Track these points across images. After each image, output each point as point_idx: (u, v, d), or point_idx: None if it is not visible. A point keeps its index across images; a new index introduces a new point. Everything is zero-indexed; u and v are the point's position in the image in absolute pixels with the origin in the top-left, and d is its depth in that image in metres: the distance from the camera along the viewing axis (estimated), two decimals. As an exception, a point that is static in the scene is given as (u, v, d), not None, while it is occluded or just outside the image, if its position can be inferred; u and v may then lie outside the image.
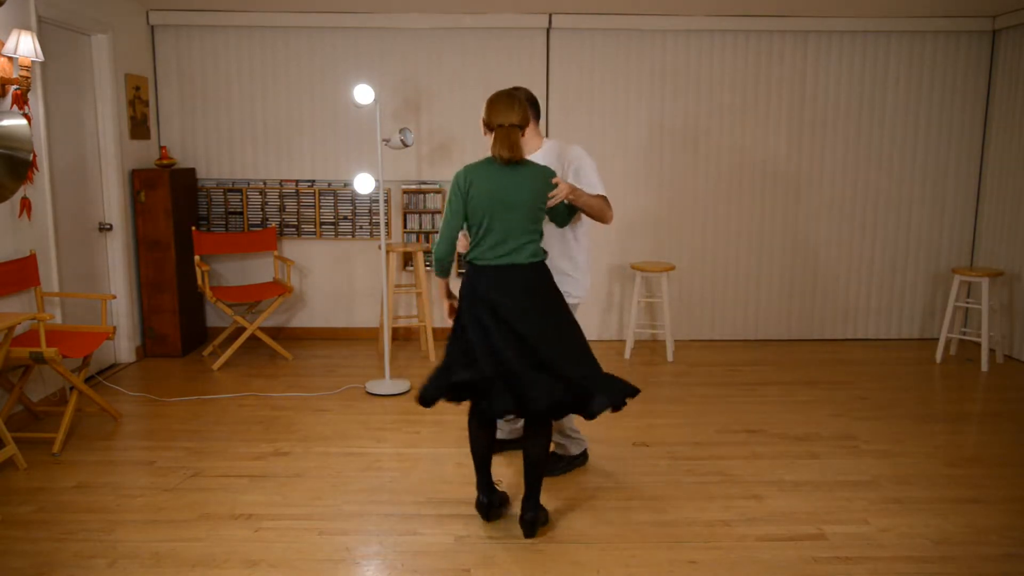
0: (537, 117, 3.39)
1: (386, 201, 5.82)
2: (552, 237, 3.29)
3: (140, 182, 5.26)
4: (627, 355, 5.58)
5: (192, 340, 5.65)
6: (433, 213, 5.81)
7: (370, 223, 5.86)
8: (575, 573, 2.74)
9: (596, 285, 5.87)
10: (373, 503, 3.26)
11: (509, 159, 2.89)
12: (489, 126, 2.99)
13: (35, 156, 4.15)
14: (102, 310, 4.27)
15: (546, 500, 3.24)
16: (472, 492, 3.34)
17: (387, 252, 4.99)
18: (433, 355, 5.50)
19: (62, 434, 3.77)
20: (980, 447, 3.93)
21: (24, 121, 3.95)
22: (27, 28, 4.04)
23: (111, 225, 5.12)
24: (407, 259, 5.86)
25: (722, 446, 3.90)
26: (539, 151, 3.34)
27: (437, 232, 3.45)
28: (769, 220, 5.94)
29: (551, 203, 2.94)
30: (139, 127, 5.42)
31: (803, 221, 5.95)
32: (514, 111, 2.94)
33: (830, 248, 5.99)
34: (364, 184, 4.73)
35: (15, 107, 3.98)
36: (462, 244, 3.12)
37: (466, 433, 4.01)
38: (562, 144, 3.39)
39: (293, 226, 5.88)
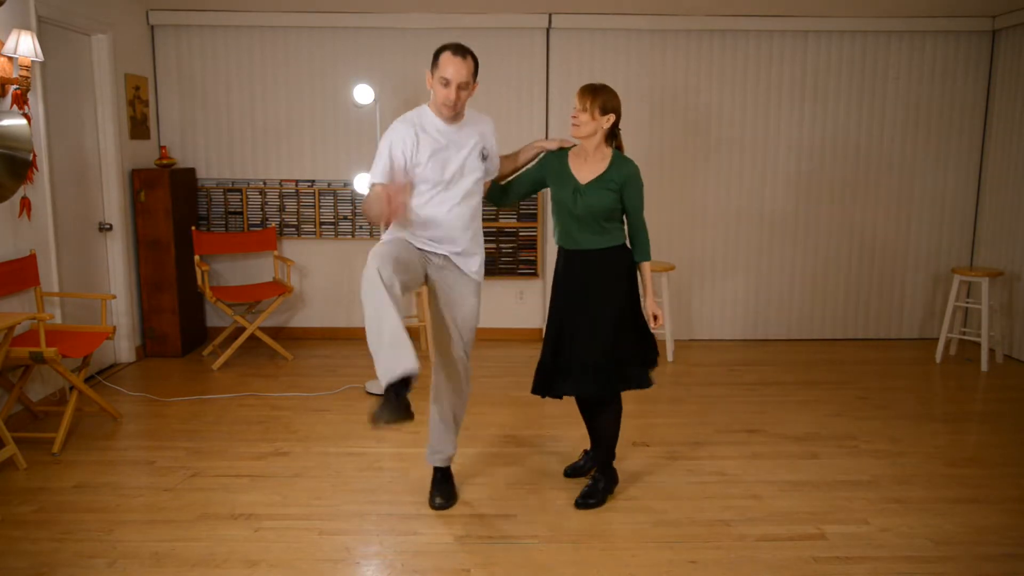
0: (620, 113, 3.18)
1: (386, 201, 5.81)
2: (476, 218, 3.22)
3: (140, 182, 5.26)
4: (627, 355, 5.58)
5: (192, 340, 5.65)
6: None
7: (370, 223, 5.86)
8: (575, 573, 2.74)
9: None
10: (373, 503, 3.25)
11: None
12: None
13: (35, 156, 4.15)
14: (102, 310, 4.27)
15: (550, 499, 3.25)
16: (471, 491, 3.35)
17: (387, 252, 4.99)
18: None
19: (62, 434, 3.77)
20: (980, 447, 3.93)
21: (24, 121, 3.95)
22: (27, 28, 4.04)
23: (111, 225, 5.11)
24: (407, 259, 5.86)
25: (722, 446, 3.90)
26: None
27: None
28: (768, 220, 5.94)
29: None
30: (139, 127, 5.42)
31: (803, 221, 5.95)
32: None
33: (830, 247, 5.99)
34: (364, 184, 4.73)
35: (15, 107, 3.98)
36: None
37: (464, 433, 4.02)
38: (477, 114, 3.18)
39: (293, 226, 5.88)
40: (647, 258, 3.17)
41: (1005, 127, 5.67)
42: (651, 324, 3.18)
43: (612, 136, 3.15)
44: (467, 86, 2.93)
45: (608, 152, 3.12)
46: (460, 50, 2.92)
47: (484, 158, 3.09)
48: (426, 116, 3.03)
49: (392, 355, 2.62)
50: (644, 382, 3.18)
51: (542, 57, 5.73)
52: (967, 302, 5.59)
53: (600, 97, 3.04)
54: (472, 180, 3.06)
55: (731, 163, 5.86)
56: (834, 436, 4.04)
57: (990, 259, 5.81)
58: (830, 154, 5.88)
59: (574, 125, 3.07)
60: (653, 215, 5.80)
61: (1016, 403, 4.63)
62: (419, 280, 3.04)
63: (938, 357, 5.52)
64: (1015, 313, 5.56)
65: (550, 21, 5.60)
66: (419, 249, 3.04)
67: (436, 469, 3.31)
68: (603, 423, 3.27)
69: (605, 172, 3.08)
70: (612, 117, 3.07)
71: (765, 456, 3.78)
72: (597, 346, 3.10)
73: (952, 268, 5.68)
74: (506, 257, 5.91)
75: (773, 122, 5.83)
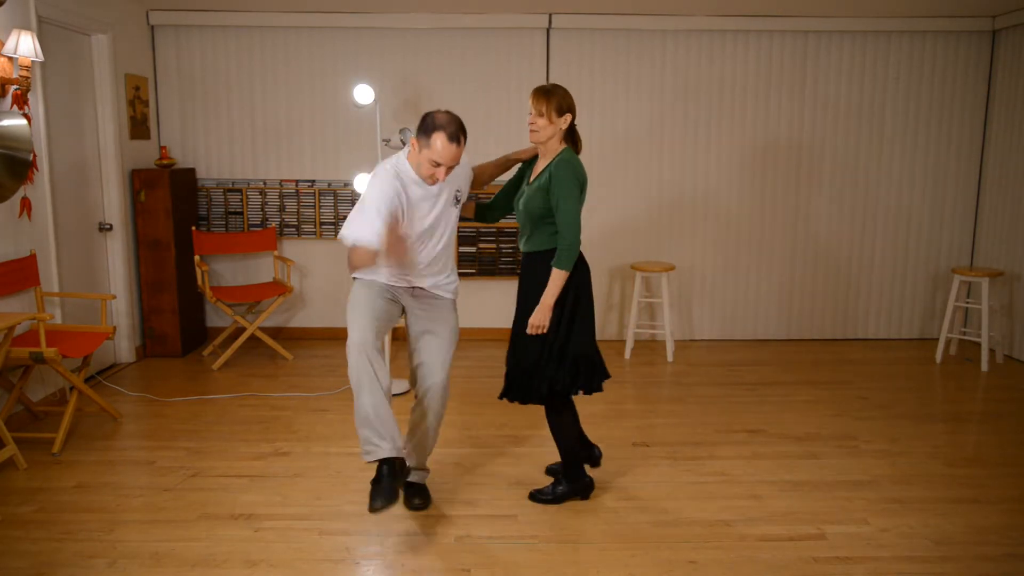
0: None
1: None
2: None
3: (140, 182, 5.26)
4: (627, 355, 5.58)
5: (192, 340, 5.65)
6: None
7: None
8: (575, 573, 2.74)
9: (597, 285, 5.86)
10: (373, 503, 3.25)
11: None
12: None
13: (35, 156, 4.15)
14: (102, 310, 4.27)
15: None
16: (471, 491, 3.35)
17: (387, 252, 4.99)
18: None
19: (62, 434, 3.77)
20: (980, 447, 3.93)
21: (24, 121, 3.95)
22: (27, 28, 4.04)
23: (111, 225, 5.11)
24: (407, 259, 5.86)
25: (722, 446, 3.90)
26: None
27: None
28: (769, 220, 5.94)
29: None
30: (139, 127, 5.42)
31: (803, 221, 5.95)
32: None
33: (830, 248, 5.99)
34: (364, 184, 4.72)
35: (15, 107, 3.98)
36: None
37: (464, 433, 4.02)
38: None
39: (293, 226, 5.88)
40: (558, 265, 2.93)
41: (1005, 127, 5.67)
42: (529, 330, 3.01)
43: (571, 136, 3.08)
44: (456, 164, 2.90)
45: (556, 151, 3.04)
46: (455, 136, 2.79)
47: (457, 202, 3.06)
48: (404, 169, 2.94)
49: (375, 436, 2.81)
50: (530, 396, 3.11)
51: (542, 57, 5.73)
52: (967, 302, 5.59)
53: (555, 99, 2.97)
54: (444, 228, 3.03)
55: (731, 163, 5.86)
56: (834, 436, 4.04)
57: (990, 259, 5.81)
58: (830, 153, 5.88)
59: (532, 131, 3.01)
60: (654, 216, 5.89)
61: (1016, 403, 4.63)
62: (397, 317, 3.09)
63: (938, 357, 5.52)
64: (1015, 313, 5.56)
65: (550, 21, 5.60)
66: (391, 285, 3.03)
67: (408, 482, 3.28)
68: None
69: (541, 172, 3.03)
70: (569, 117, 3.01)
71: (765, 456, 3.78)
72: (511, 349, 3.16)
73: (952, 268, 5.68)
74: (506, 257, 5.91)
75: (773, 122, 5.83)
